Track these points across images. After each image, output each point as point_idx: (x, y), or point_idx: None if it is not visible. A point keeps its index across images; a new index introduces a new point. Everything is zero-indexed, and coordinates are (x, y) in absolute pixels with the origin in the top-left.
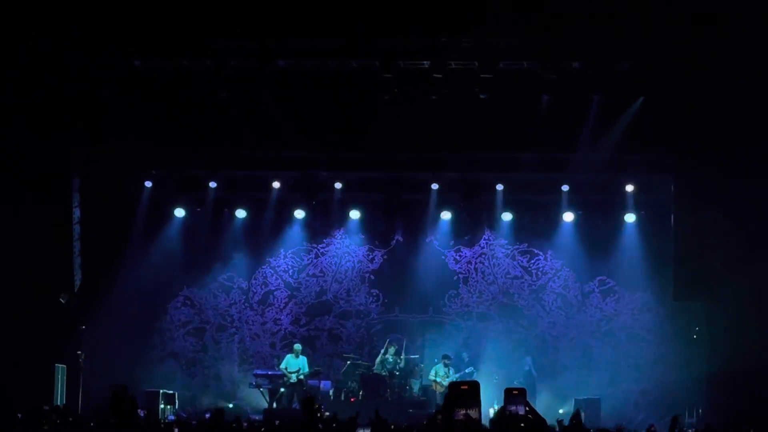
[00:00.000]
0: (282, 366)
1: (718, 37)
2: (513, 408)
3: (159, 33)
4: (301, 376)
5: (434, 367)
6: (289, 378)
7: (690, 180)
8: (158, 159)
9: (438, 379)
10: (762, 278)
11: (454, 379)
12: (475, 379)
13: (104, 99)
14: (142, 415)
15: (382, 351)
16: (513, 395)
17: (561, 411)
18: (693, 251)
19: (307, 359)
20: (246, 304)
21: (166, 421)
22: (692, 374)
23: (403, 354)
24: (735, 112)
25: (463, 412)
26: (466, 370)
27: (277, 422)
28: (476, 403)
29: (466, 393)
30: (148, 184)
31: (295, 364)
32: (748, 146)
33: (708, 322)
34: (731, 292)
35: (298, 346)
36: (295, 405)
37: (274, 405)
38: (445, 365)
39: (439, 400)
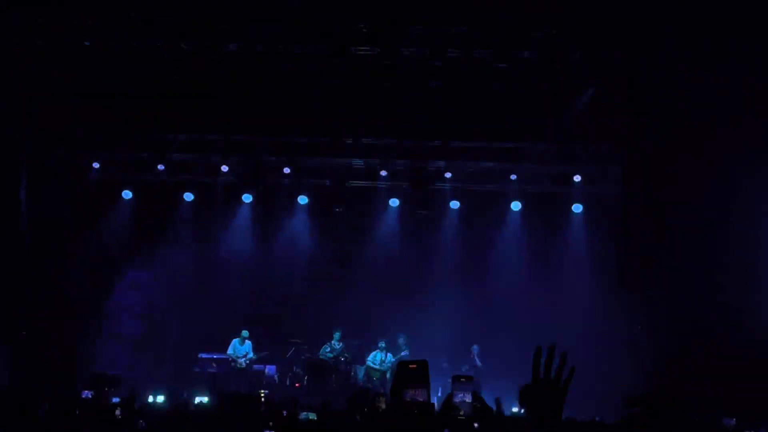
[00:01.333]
0: (229, 351)
1: (666, 27)
2: (460, 396)
3: (109, 12)
4: (247, 361)
5: (372, 353)
6: (237, 363)
7: (637, 170)
8: (107, 141)
9: (374, 365)
10: (707, 268)
11: (389, 365)
12: (425, 359)
13: (53, 79)
14: (89, 396)
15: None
16: (460, 382)
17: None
18: (639, 241)
19: (252, 344)
20: (192, 288)
21: (111, 402)
22: (637, 363)
23: (341, 341)
24: (682, 102)
25: (410, 392)
26: (402, 354)
27: (226, 407)
28: (425, 383)
29: (414, 372)
30: (96, 165)
31: (241, 350)
32: (696, 137)
33: (652, 313)
34: (676, 282)
35: (245, 332)
36: (242, 389)
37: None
38: (382, 350)
39: (376, 385)
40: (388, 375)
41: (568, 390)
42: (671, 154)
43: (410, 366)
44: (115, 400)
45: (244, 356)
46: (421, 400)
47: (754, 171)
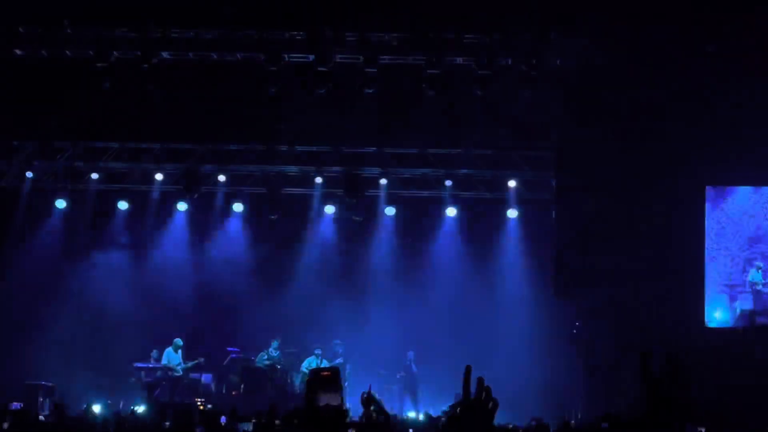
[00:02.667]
0: (164, 361)
1: (600, 31)
2: (324, 400)
3: (37, 22)
4: (182, 370)
5: (307, 360)
6: (174, 371)
7: (571, 176)
8: (40, 150)
9: (308, 372)
10: (640, 273)
11: None
12: (337, 366)
13: None
14: (18, 407)
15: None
16: (323, 379)
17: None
18: (573, 247)
19: (183, 352)
20: (127, 297)
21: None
22: (572, 370)
23: (278, 348)
24: (616, 108)
25: (325, 398)
26: (336, 361)
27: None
28: (338, 389)
29: (327, 379)
30: (30, 174)
31: (176, 358)
32: (629, 142)
33: (587, 318)
34: (611, 289)
35: (178, 341)
36: (177, 398)
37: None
38: (317, 356)
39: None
40: None
41: (494, 414)
42: (601, 158)
43: (323, 373)
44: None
45: (179, 365)
46: (334, 404)
47: (680, 175)
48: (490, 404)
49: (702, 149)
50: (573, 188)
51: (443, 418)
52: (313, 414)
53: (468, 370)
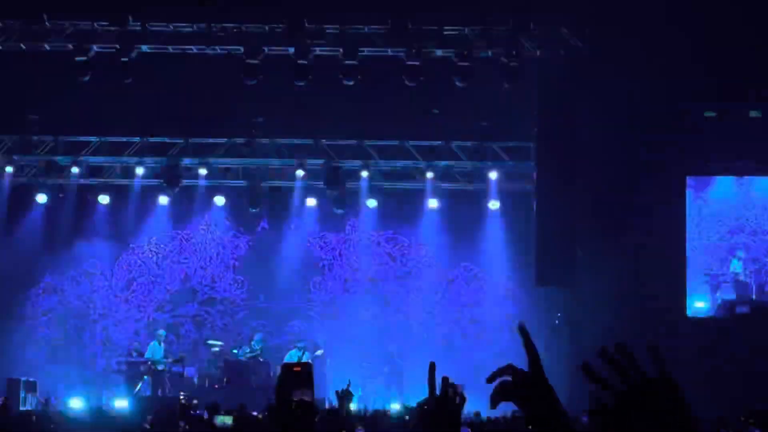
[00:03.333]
0: (147, 354)
1: (579, 21)
2: (298, 395)
3: (16, 15)
4: (167, 363)
5: (290, 353)
6: (158, 364)
7: (551, 167)
8: (19, 144)
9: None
10: (622, 263)
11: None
12: (308, 361)
13: None
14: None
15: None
16: (294, 374)
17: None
18: (555, 238)
19: (165, 347)
20: (109, 291)
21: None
22: (555, 360)
23: (261, 342)
24: (596, 98)
25: (298, 393)
26: (316, 353)
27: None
28: (309, 384)
29: (298, 375)
30: (9, 169)
31: (159, 351)
32: (609, 133)
33: (570, 308)
34: (592, 278)
35: (162, 332)
36: (160, 392)
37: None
38: (300, 349)
39: None
40: None
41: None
42: (582, 149)
43: (294, 369)
44: (29, 406)
45: (162, 359)
46: (307, 399)
47: (661, 166)
48: (457, 399)
49: (683, 139)
50: (554, 179)
51: (407, 417)
52: (286, 408)
53: (432, 368)
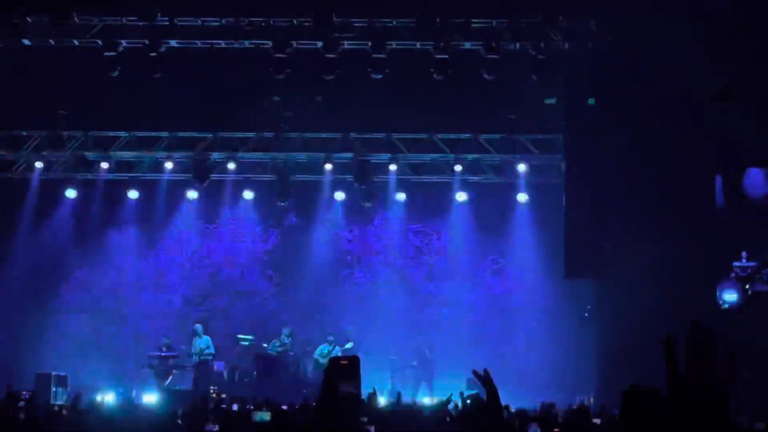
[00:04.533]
0: (193, 350)
1: (607, 13)
2: (344, 388)
3: (45, 11)
4: (207, 356)
5: (320, 347)
6: (200, 356)
7: (580, 159)
8: (49, 140)
9: (321, 359)
10: (652, 255)
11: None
12: (356, 354)
13: None
14: (27, 396)
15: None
16: (341, 367)
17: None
18: (583, 230)
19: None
20: (139, 286)
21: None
22: (584, 353)
23: (289, 336)
24: (624, 90)
25: (343, 387)
26: (346, 345)
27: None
28: (355, 377)
29: (345, 368)
30: (39, 165)
31: (197, 345)
32: (638, 124)
33: (599, 301)
34: (621, 270)
35: (198, 327)
36: (190, 386)
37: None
38: (330, 343)
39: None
40: None
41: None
42: (611, 141)
43: (341, 362)
44: (61, 400)
45: (199, 352)
46: (352, 392)
47: (692, 156)
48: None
49: (715, 130)
50: (583, 171)
51: (457, 404)
52: (331, 402)
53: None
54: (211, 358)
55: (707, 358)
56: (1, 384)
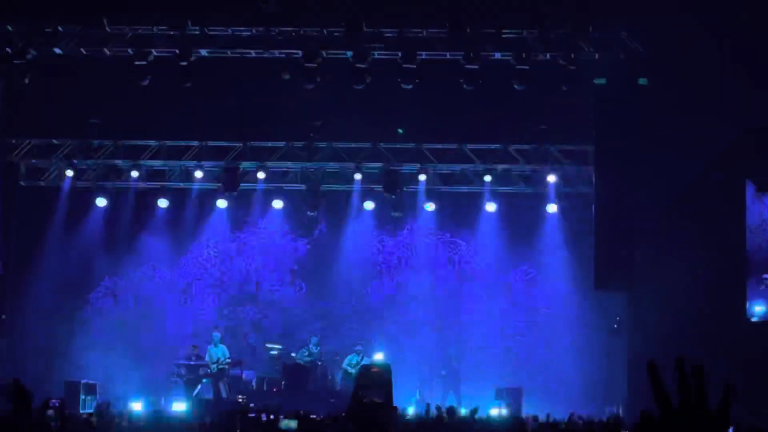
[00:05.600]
0: (207, 358)
1: (637, 24)
2: (369, 396)
3: (76, 21)
4: (224, 366)
5: (348, 357)
6: (210, 368)
7: (610, 170)
8: (80, 149)
9: (350, 369)
10: (681, 267)
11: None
12: (387, 362)
13: (24, 87)
14: (55, 404)
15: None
16: (372, 374)
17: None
18: (613, 241)
19: (226, 348)
20: (168, 294)
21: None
22: (613, 364)
23: (317, 345)
24: (654, 101)
25: (371, 394)
26: (374, 356)
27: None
28: (385, 385)
29: (376, 376)
30: (70, 173)
31: (214, 354)
32: (668, 135)
33: (629, 312)
34: (651, 281)
35: (216, 335)
36: (223, 395)
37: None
38: (358, 353)
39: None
40: None
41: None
42: (640, 152)
43: (372, 369)
44: (90, 408)
45: (216, 361)
46: (379, 401)
47: (721, 168)
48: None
49: (743, 141)
50: (613, 182)
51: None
52: (360, 409)
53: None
54: (227, 366)
55: (695, 393)
56: (33, 391)
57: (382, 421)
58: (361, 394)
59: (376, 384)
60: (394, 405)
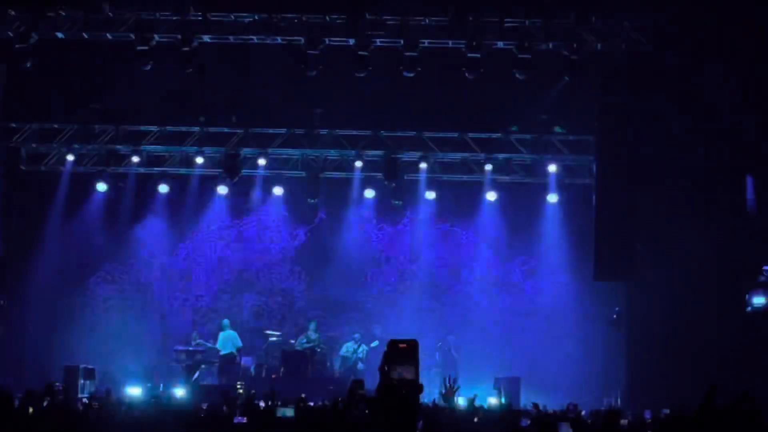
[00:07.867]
0: (218, 345)
1: (640, 14)
2: (398, 372)
3: (79, 5)
4: (234, 352)
5: (345, 344)
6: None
7: (611, 160)
8: (81, 133)
9: (347, 355)
10: (682, 258)
11: (361, 355)
12: (415, 338)
13: (26, 71)
14: (59, 387)
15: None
16: (399, 351)
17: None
18: (614, 232)
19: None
20: (168, 280)
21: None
22: (612, 355)
23: (315, 331)
24: (656, 91)
25: (399, 370)
26: (372, 344)
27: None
28: (413, 362)
29: (403, 351)
30: (71, 158)
31: (227, 340)
32: (670, 125)
33: (628, 303)
34: (651, 272)
35: (225, 322)
36: (217, 381)
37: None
38: (355, 341)
39: (345, 374)
40: (360, 366)
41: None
42: (643, 143)
43: (400, 345)
44: (87, 393)
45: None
46: (408, 377)
47: (723, 160)
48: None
49: (745, 133)
50: (614, 173)
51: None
52: (387, 386)
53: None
54: (237, 353)
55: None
56: (33, 375)
57: (413, 402)
58: (389, 370)
59: (403, 359)
60: (420, 382)
